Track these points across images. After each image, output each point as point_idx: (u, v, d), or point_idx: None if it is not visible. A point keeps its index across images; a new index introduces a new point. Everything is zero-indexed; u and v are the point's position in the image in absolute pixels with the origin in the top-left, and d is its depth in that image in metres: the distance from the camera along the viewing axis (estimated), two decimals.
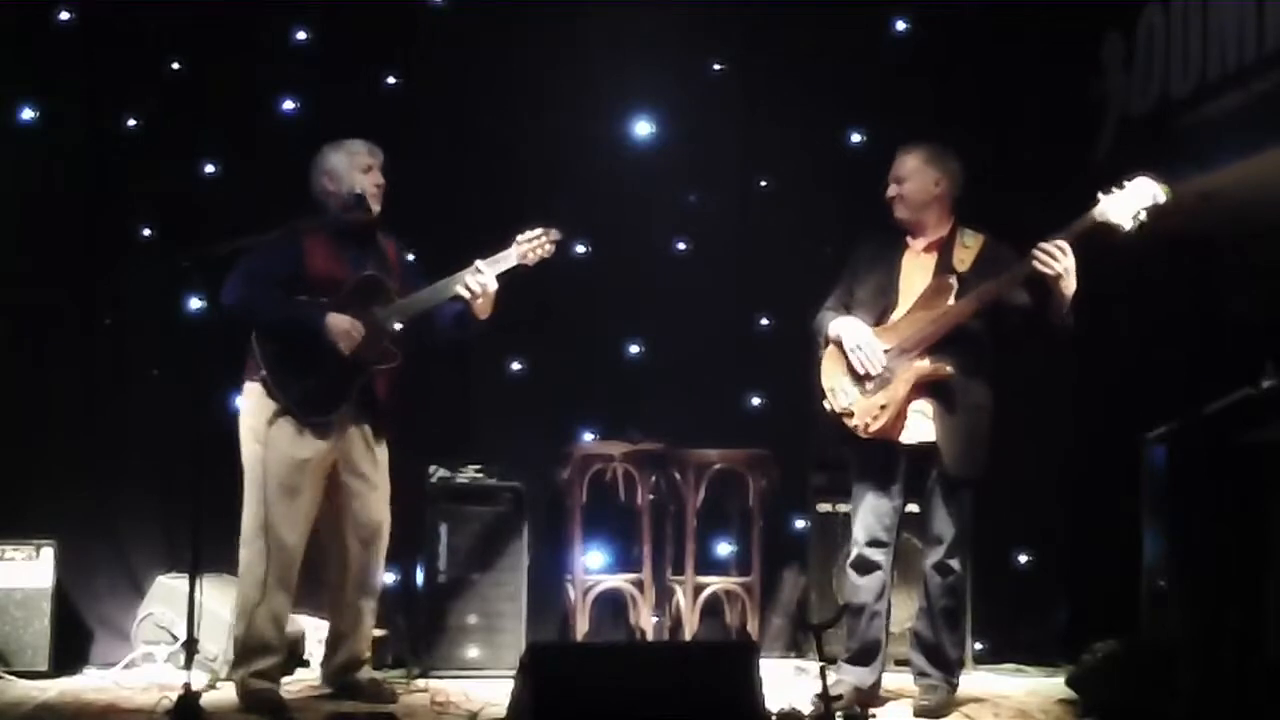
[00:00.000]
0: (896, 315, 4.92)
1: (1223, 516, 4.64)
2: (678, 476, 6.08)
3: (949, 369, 4.81)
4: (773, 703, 4.30)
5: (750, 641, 5.75)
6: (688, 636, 5.95)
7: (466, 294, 5.01)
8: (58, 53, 6.16)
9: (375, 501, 5.12)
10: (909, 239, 5.00)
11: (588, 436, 6.34)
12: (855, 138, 6.14)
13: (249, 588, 4.95)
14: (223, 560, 5.12)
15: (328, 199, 5.07)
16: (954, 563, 4.91)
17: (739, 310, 6.45)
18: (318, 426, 4.95)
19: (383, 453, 5.15)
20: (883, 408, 4.83)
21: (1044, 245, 4.65)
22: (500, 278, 5.04)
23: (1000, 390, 6.11)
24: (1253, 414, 4.72)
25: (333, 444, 5.00)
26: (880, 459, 4.93)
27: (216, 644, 5.38)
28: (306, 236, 5.01)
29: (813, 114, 6.16)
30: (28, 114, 6.17)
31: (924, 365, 4.81)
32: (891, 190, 4.98)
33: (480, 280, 5.00)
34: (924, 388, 4.84)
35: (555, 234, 5.08)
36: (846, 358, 4.91)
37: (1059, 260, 4.63)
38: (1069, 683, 5.01)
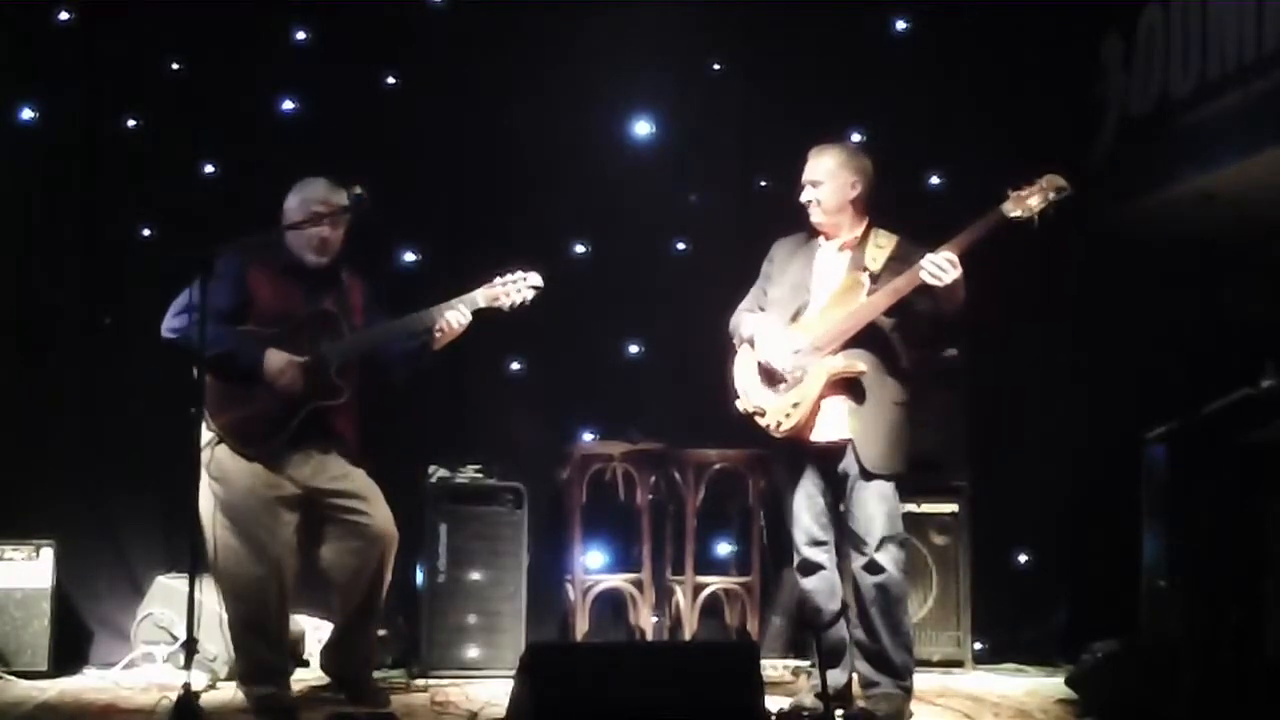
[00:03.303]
0: (810, 313, 4.83)
1: (1223, 516, 4.65)
2: (678, 476, 6.07)
3: (862, 366, 4.70)
4: (772, 703, 4.30)
5: (750, 641, 5.75)
6: (688, 636, 5.94)
7: (445, 328, 4.91)
8: (58, 53, 6.16)
9: (371, 517, 4.91)
10: (823, 240, 4.92)
11: (588, 436, 6.34)
12: (855, 137, 6.12)
13: (230, 629, 4.86)
14: None
15: (285, 232, 4.93)
16: (883, 559, 4.69)
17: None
18: (257, 458, 4.77)
19: (361, 474, 4.96)
20: (795, 405, 4.73)
21: (932, 257, 4.57)
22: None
23: (1000, 390, 6.18)
24: (1253, 414, 4.72)
25: (287, 473, 4.80)
26: (802, 460, 4.83)
27: (216, 644, 5.38)
28: (252, 268, 4.86)
29: (813, 114, 6.15)
30: (28, 114, 6.17)
31: (837, 362, 4.70)
32: (807, 194, 4.86)
33: (459, 319, 4.92)
34: (838, 385, 4.73)
35: (535, 279, 4.98)
36: (759, 358, 4.84)
37: (946, 273, 4.55)
38: (1069, 683, 5.01)
